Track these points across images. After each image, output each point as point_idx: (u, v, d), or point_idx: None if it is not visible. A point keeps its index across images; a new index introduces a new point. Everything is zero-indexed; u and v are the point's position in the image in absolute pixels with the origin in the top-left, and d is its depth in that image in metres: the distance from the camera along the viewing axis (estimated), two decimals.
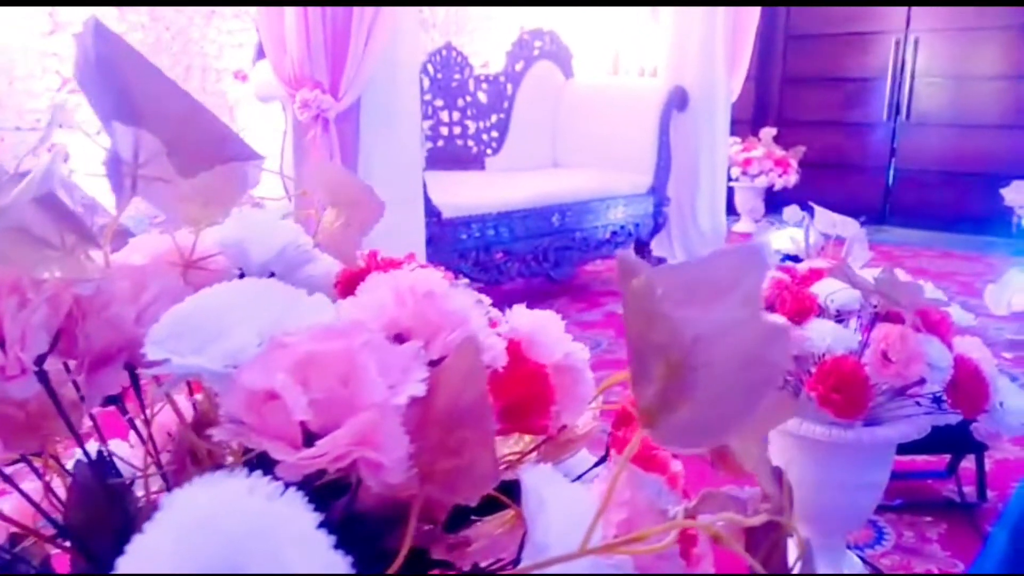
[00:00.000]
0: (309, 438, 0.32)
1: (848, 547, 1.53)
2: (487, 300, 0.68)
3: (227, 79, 3.86)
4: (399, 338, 0.39)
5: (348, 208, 0.51)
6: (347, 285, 0.54)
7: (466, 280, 0.56)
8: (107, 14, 3.43)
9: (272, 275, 0.50)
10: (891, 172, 6.15)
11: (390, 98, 2.46)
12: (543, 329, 0.50)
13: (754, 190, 5.10)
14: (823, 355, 1.16)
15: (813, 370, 1.14)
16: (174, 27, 3.64)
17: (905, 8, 5.91)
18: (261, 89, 2.89)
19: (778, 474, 0.62)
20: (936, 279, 3.93)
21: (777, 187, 5.02)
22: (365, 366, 0.32)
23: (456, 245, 2.95)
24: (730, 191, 5.08)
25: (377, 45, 2.31)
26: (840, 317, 1.30)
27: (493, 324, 0.46)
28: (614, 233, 3.68)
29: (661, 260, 4.00)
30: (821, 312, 1.23)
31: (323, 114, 2.27)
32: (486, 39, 4.87)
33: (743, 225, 5.29)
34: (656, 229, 3.92)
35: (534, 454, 0.55)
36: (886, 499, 1.71)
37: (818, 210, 1.57)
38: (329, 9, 2.27)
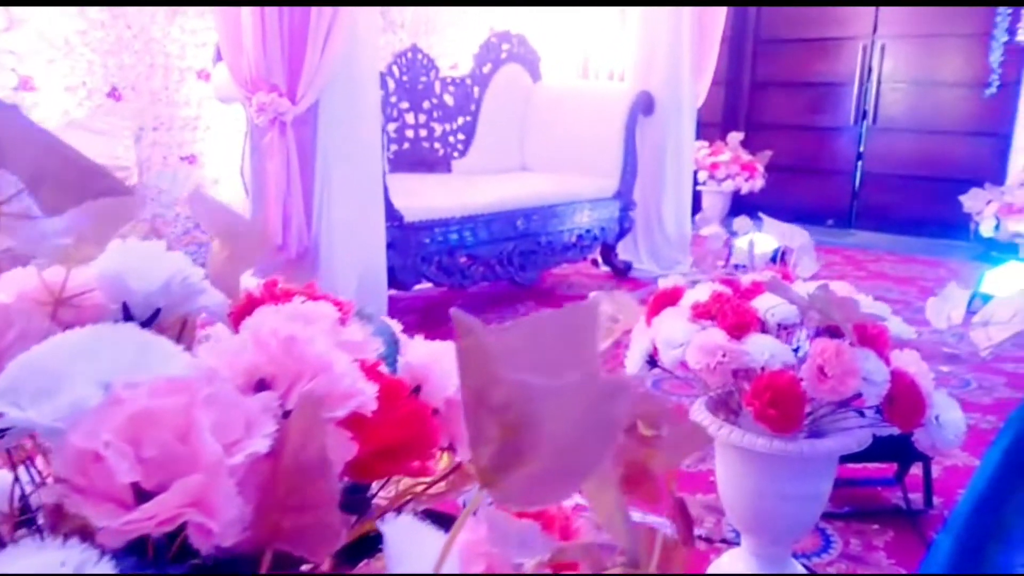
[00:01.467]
0: (147, 498, 0.31)
1: (794, 555, 1.55)
2: (396, 327, 0.67)
3: (191, 78, 3.80)
4: (261, 384, 0.38)
5: (231, 241, 0.50)
6: (239, 317, 0.52)
7: (368, 318, 0.56)
8: (66, 11, 3.37)
9: (158, 310, 0.48)
10: (858, 176, 6.23)
11: (349, 101, 2.43)
12: (437, 364, 0.49)
13: (721, 194, 5.14)
14: (762, 369, 1.16)
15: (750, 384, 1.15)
16: (136, 25, 3.58)
17: (872, 14, 5.99)
18: (220, 90, 2.86)
19: (680, 505, 0.61)
20: (898, 284, 4.00)
21: (744, 191, 5.06)
22: (200, 424, 0.31)
23: (419, 249, 2.94)
24: (698, 195, 5.11)
25: (335, 48, 2.29)
26: (789, 329, 1.31)
27: (375, 366, 0.45)
28: (580, 237, 3.68)
29: (628, 264, 4.01)
30: (763, 326, 1.24)
31: (280, 117, 2.24)
32: (455, 40, 4.84)
33: (711, 229, 5.32)
34: (622, 233, 3.93)
35: (443, 483, 0.55)
36: (834, 507, 1.73)
37: (767, 220, 1.58)
38: (286, 11, 2.25)
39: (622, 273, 3.99)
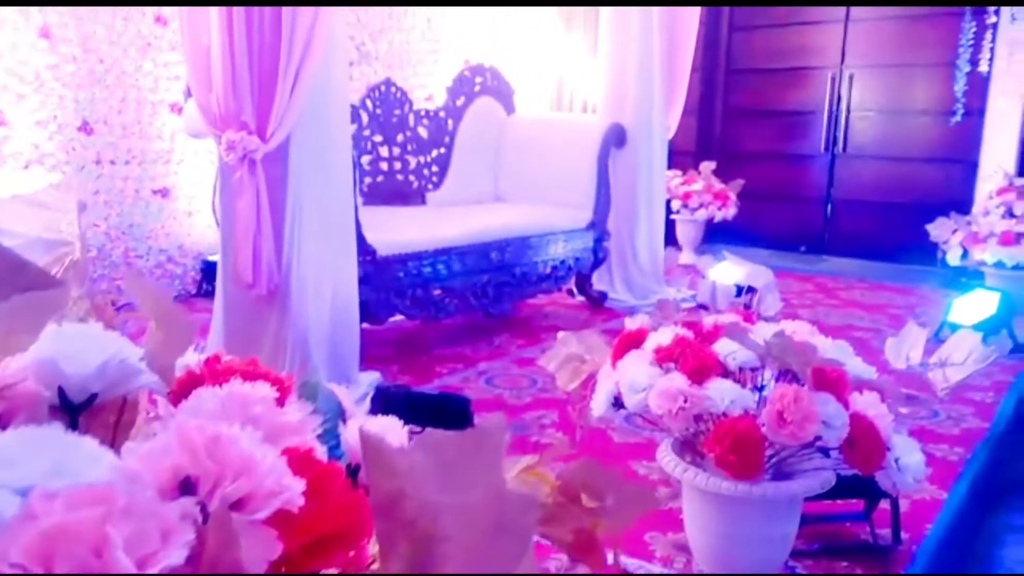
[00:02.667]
0: None
1: None
2: (342, 395, 0.67)
3: (163, 112, 3.80)
4: (187, 483, 0.38)
5: (166, 326, 0.50)
6: (180, 395, 0.52)
7: (312, 390, 0.56)
8: (37, 44, 3.35)
9: (94, 395, 0.48)
10: (829, 203, 6.33)
11: (321, 138, 2.44)
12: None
13: (695, 223, 5.19)
14: (723, 414, 1.17)
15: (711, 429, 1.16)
16: (108, 59, 3.58)
17: (840, 45, 6.13)
18: (190, 126, 2.85)
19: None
20: (868, 311, 4.05)
21: (717, 219, 5.12)
22: (113, 541, 0.31)
23: (392, 283, 2.93)
24: (672, 223, 5.16)
25: (306, 86, 2.30)
26: (755, 370, 1.32)
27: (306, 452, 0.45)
28: (554, 268, 3.70)
29: (602, 294, 4.03)
30: (725, 369, 1.25)
31: (250, 155, 2.24)
32: (430, 72, 4.88)
33: (685, 257, 5.37)
34: (596, 263, 3.95)
35: None
36: (803, 544, 1.74)
37: (728, 256, 1.60)
38: (256, 48, 2.25)
39: (597, 303, 4.01)
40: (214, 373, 0.53)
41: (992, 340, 1.80)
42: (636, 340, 1.34)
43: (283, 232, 2.34)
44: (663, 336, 1.27)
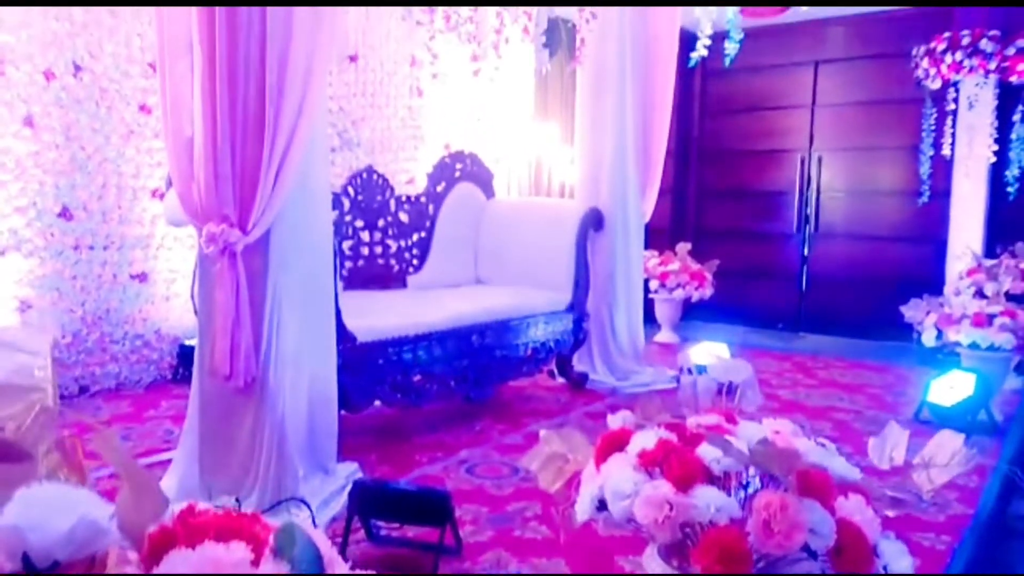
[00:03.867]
0: None
1: None
2: (320, 540, 0.66)
3: (144, 197, 3.82)
4: None
5: (137, 489, 0.49)
6: (152, 555, 0.51)
7: (290, 538, 0.54)
8: (21, 134, 3.37)
9: (57, 562, 0.46)
10: (804, 280, 6.43)
11: (302, 228, 2.44)
12: None
13: (672, 301, 5.24)
14: (709, 523, 1.15)
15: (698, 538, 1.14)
16: (90, 146, 3.61)
17: (808, 129, 6.35)
18: (170, 215, 2.85)
19: None
20: (848, 391, 4.07)
21: (695, 299, 5.17)
22: None
23: (372, 370, 2.91)
24: (651, 303, 5.21)
25: (288, 178, 2.31)
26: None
27: None
28: (535, 350, 3.70)
29: (583, 375, 4.02)
30: (710, 474, 1.23)
31: (230, 247, 2.24)
32: (412, 157, 4.97)
33: (664, 335, 5.40)
34: (577, 344, 3.96)
35: None
36: None
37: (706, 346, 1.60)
38: (239, 139, 2.27)
39: (578, 385, 3.99)
40: (188, 529, 0.51)
41: (973, 440, 1.80)
42: (619, 441, 1.33)
43: (262, 323, 2.32)
44: (647, 439, 1.26)
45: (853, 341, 5.75)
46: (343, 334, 2.73)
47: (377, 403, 3.04)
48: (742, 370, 1.53)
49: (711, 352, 3.97)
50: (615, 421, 1.45)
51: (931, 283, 5.28)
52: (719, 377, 1.52)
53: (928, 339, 3.67)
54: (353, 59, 4.53)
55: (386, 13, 4.57)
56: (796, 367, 4.69)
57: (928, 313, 3.66)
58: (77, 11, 3.51)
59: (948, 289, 4.74)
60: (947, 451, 1.23)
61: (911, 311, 3.73)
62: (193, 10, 2.23)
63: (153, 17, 2.32)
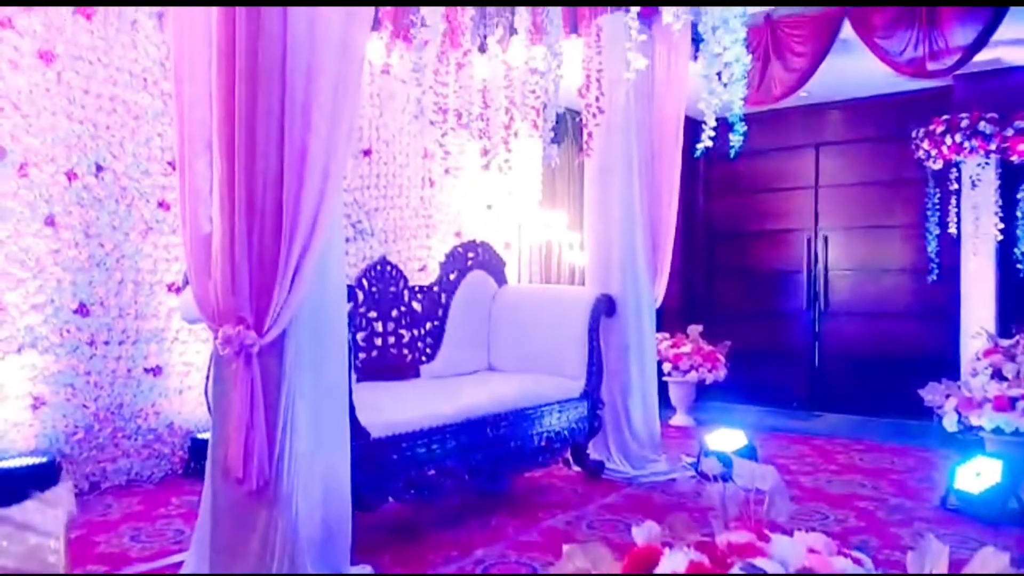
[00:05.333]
0: None
1: None
2: None
3: (160, 292, 3.86)
4: None
5: None
6: None
7: None
8: (42, 232, 3.44)
9: None
10: (816, 359, 6.39)
11: (317, 327, 2.46)
12: None
13: (686, 384, 5.20)
14: None
15: None
16: (109, 243, 3.67)
17: (812, 209, 6.42)
18: (187, 312, 2.88)
19: None
20: (870, 477, 3.98)
21: (708, 381, 5.13)
22: None
23: (385, 467, 2.87)
24: (664, 385, 5.16)
25: (305, 277, 2.34)
26: None
27: None
28: (550, 439, 3.65)
29: (599, 464, 3.95)
30: None
31: (246, 349, 2.25)
32: (424, 245, 5.04)
33: (679, 419, 5.34)
34: (592, 433, 3.91)
35: None
36: None
37: (737, 461, 1.58)
38: (256, 238, 2.30)
39: (594, 474, 3.92)
40: None
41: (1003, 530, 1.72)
42: (646, 560, 1.29)
43: (276, 424, 2.30)
44: (676, 561, 1.23)
45: (870, 420, 5.66)
46: (357, 431, 2.70)
47: (390, 499, 2.98)
48: (768, 477, 1.50)
49: (728, 439, 3.92)
50: (640, 534, 1.41)
51: (946, 361, 5.23)
52: (745, 484, 1.49)
53: (950, 424, 3.60)
54: (367, 153, 4.65)
55: (399, 110, 4.72)
56: (815, 451, 4.60)
57: (947, 397, 3.61)
58: (100, 114, 3.64)
59: (965, 369, 4.68)
60: (991, 569, 1.18)
61: (930, 394, 3.68)
62: (213, 109, 2.29)
63: (174, 117, 2.39)
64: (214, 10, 2.24)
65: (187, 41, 2.33)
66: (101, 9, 3.62)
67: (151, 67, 3.81)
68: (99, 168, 3.64)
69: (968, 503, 3.30)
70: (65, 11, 3.50)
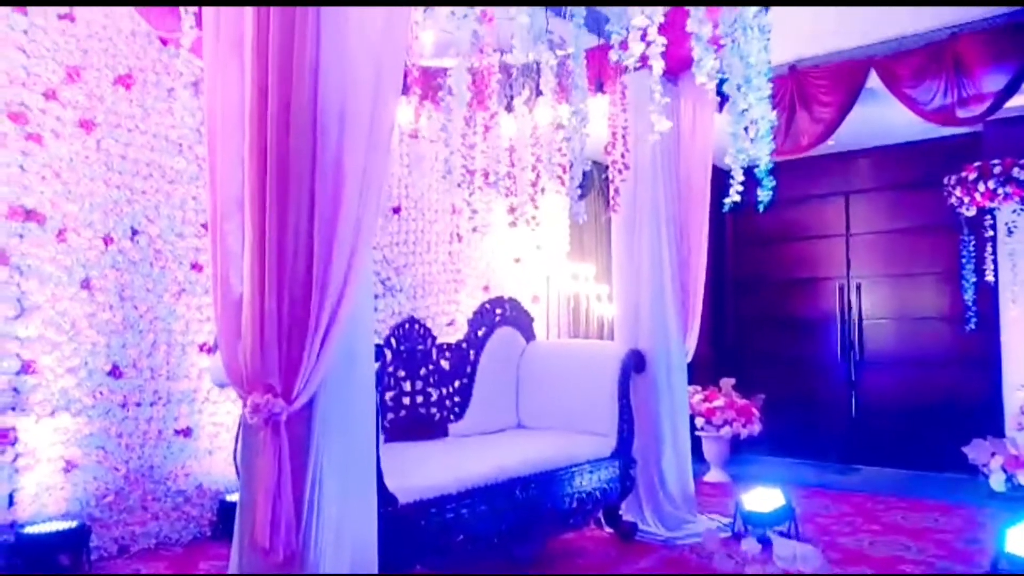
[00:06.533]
0: None
1: None
2: None
3: (192, 352, 3.90)
4: None
5: None
6: None
7: None
8: (79, 295, 3.50)
9: None
10: (853, 409, 6.23)
11: (345, 390, 2.44)
12: None
13: (721, 439, 5.08)
14: None
15: None
16: (143, 305, 3.73)
17: (844, 257, 6.34)
18: (216, 376, 2.89)
19: None
20: (914, 539, 3.82)
21: (743, 436, 5.01)
22: None
23: (414, 534, 2.82)
24: (697, 440, 5.05)
25: (334, 342, 2.33)
26: None
27: None
28: (581, 501, 3.57)
29: (632, 526, 3.86)
30: None
31: (274, 417, 2.24)
32: (452, 300, 5.05)
33: (714, 475, 5.21)
34: (625, 492, 3.82)
35: None
36: None
37: (776, 541, 1.52)
38: (287, 301, 2.30)
39: (627, 536, 3.82)
40: None
41: None
42: None
43: (303, 493, 2.28)
44: None
45: (911, 474, 5.49)
46: (384, 497, 2.67)
47: (418, 567, 2.93)
48: (811, 558, 1.44)
49: (765, 498, 3.81)
50: None
51: (988, 412, 5.07)
52: (787, 566, 1.43)
53: (997, 483, 3.47)
54: (397, 211, 4.70)
55: (428, 169, 4.78)
56: (855, 509, 4.45)
57: (993, 455, 3.48)
58: (137, 179, 3.73)
59: (1009, 423, 4.53)
60: None
61: (974, 452, 3.56)
62: (246, 170, 2.31)
63: (207, 179, 2.42)
64: (248, 75, 2.29)
65: (220, 105, 2.38)
66: (140, 78, 3.74)
67: (187, 133, 3.91)
68: (134, 232, 3.72)
69: (1021, 568, 3.14)
70: (106, 81, 3.62)
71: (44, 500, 3.36)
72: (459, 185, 3.25)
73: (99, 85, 3.61)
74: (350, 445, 2.44)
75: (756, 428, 5.07)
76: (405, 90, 3.43)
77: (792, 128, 4.81)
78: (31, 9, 3.39)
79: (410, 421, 3.66)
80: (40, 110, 3.41)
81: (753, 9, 2.81)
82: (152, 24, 3.31)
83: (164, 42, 3.76)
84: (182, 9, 2.86)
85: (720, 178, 4.11)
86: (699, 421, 5.05)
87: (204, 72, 2.49)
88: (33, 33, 3.39)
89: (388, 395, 3.58)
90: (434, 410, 3.78)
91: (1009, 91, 4.24)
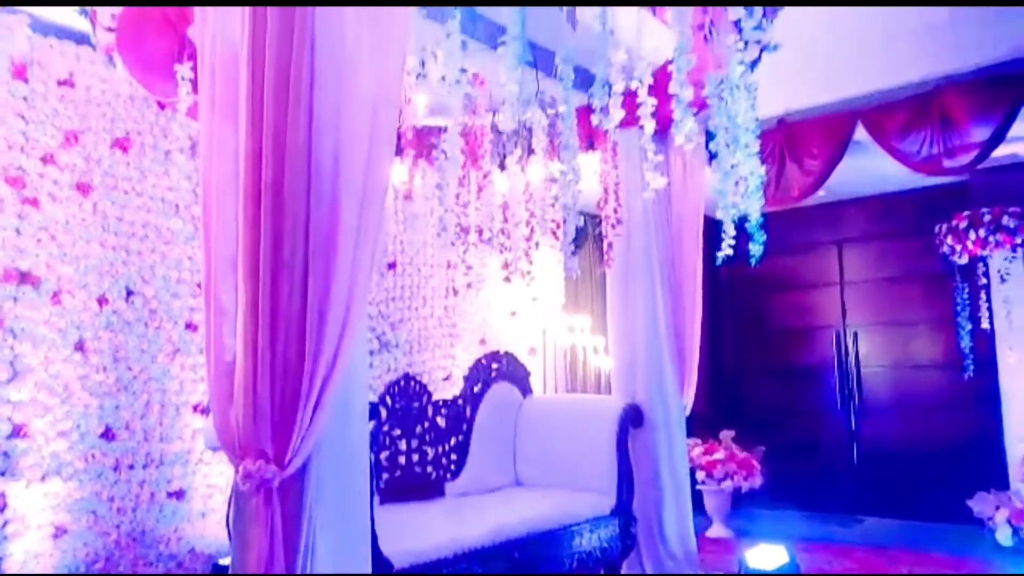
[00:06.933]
0: None
1: None
2: None
3: (186, 413, 3.86)
4: None
5: None
6: None
7: None
8: (72, 358, 3.48)
9: None
10: (855, 457, 6.17)
11: (339, 453, 2.42)
12: None
13: (722, 493, 5.02)
14: None
15: None
16: (136, 366, 3.70)
17: (839, 306, 6.35)
18: (209, 439, 2.87)
19: None
20: None
21: (744, 489, 4.95)
22: None
23: None
24: (699, 494, 4.98)
25: (328, 404, 2.31)
26: None
27: None
28: (581, 561, 3.51)
29: None
30: None
31: (266, 484, 2.21)
32: (448, 354, 5.03)
33: (716, 530, 5.13)
34: (626, 551, 3.76)
35: None
36: None
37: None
38: (280, 364, 2.28)
39: None
40: None
41: None
42: None
43: (296, 560, 2.23)
44: None
45: (916, 525, 5.40)
46: (379, 561, 2.63)
47: None
48: None
49: (769, 556, 3.74)
50: None
51: (991, 461, 5.02)
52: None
53: (1003, 537, 3.42)
54: (392, 266, 4.72)
55: (423, 225, 4.81)
56: (860, 564, 4.37)
57: (998, 508, 3.44)
58: (133, 240, 3.74)
59: (1013, 473, 4.48)
60: None
61: (979, 505, 3.52)
62: (240, 230, 2.31)
63: (202, 239, 2.41)
64: (242, 140, 2.30)
65: (215, 168, 2.39)
66: (137, 141, 3.78)
67: (184, 194, 3.94)
68: (129, 292, 3.72)
69: None
70: (103, 144, 3.66)
71: (32, 567, 3.28)
72: (452, 244, 3.27)
73: (97, 148, 3.65)
74: (344, 509, 2.40)
75: (757, 481, 5.01)
76: (399, 151, 3.48)
77: (782, 180, 4.87)
78: (31, 75, 3.45)
79: (406, 481, 3.61)
80: (38, 174, 3.44)
81: (740, 69, 2.87)
82: (149, 90, 3.36)
83: (162, 106, 3.82)
84: (179, 75, 2.91)
85: (714, 228, 4.14)
86: (700, 475, 4.99)
87: (199, 135, 2.51)
88: (33, 99, 3.45)
89: (383, 454, 3.54)
90: (430, 469, 3.74)
91: (994, 141, 4.31)
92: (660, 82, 2.78)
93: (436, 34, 2.56)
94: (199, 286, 3.83)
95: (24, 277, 3.37)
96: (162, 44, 2.84)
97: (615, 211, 3.75)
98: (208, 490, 3.89)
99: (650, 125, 2.62)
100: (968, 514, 4.57)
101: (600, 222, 4.00)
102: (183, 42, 2.86)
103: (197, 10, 2.44)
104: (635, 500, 3.83)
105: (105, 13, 2.74)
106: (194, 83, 2.92)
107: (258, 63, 2.26)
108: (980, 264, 5.25)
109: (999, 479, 4.68)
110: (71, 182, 3.55)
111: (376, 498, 2.93)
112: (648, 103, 2.59)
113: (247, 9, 2.27)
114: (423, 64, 2.38)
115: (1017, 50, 4.10)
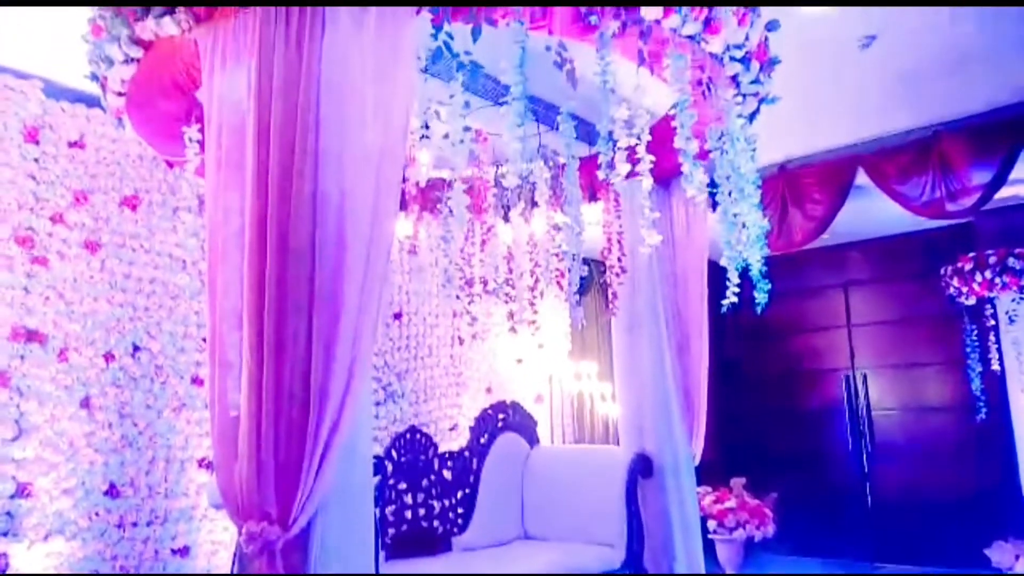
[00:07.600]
0: None
1: None
2: None
3: (191, 468, 3.83)
4: None
5: None
6: None
7: None
8: (78, 414, 3.47)
9: None
10: (869, 502, 6.06)
11: (344, 512, 2.39)
12: None
13: (734, 543, 4.93)
14: None
15: None
16: (142, 422, 3.70)
17: (847, 348, 6.31)
18: (212, 497, 2.85)
19: None
20: None
21: (757, 539, 4.86)
22: None
23: None
24: (710, 544, 4.90)
25: (333, 461, 2.29)
26: None
27: None
28: None
29: None
30: None
31: (270, 546, 2.18)
32: (454, 403, 5.01)
33: None
34: None
35: None
36: None
37: None
38: (284, 421, 2.26)
39: None
40: None
41: None
42: None
43: None
44: None
45: (931, 572, 5.27)
46: None
47: None
48: None
49: None
50: None
51: (1008, 506, 4.92)
52: None
53: None
54: (398, 316, 4.73)
55: (429, 276, 4.84)
56: None
57: (1017, 557, 3.36)
58: (140, 296, 3.77)
59: None
60: None
61: (997, 555, 3.44)
62: (244, 288, 2.31)
63: (207, 295, 2.43)
64: (248, 200, 2.32)
65: (221, 226, 2.42)
66: (146, 199, 3.84)
67: (191, 250, 3.98)
68: (136, 348, 3.73)
69: None
70: (112, 203, 3.72)
71: None
72: (457, 297, 3.28)
73: (105, 207, 3.70)
74: (349, 567, 2.36)
75: (770, 529, 4.92)
76: (403, 206, 3.52)
77: (785, 225, 4.89)
78: (43, 138, 3.52)
79: (412, 536, 3.57)
80: (47, 233, 3.48)
81: (740, 121, 2.91)
82: (158, 150, 3.42)
83: (170, 165, 3.88)
84: (186, 137, 2.96)
85: (719, 274, 4.15)
86: (711, 524, 4.91)
87: (206, 193, 2.55)
88: (44, 161, 3.51)
89: (389, 509, 3.50)
90: (437, 523, 3.69)
91: (996, 184, 4.32)
92: (658, 136, 2.81)
93: (439, 92, 2.59)
94: (205, 340, 3.84)
95: (31, 335, 3.39)
96: (170, 107, 2.90)
97: (619, 260, 3.76)
98: (213, 547, 3.84)
99: (648, 181, 2.64)
100: (986, 561, 4.47)
101: (605, 269, 4.01)
102: (191, 104, 2.91)
103: (204, 73, 2.50)
104: (645, 552, 3.76)
105: (115, 78, 2.80)
106: (201, 144, 2.97)
107: (263, 117, 2.29)
108: (988, 305, 5.22)
109: (1016, 527, 4.58)
110: (80, 240, 3.60)
111: (382, 554, 2.88)
112: (646, 159, 2.61)
113: (253, 64, 2.31)
114: (426, 126, 2.40)
115: (1015, 94, 4.14)
